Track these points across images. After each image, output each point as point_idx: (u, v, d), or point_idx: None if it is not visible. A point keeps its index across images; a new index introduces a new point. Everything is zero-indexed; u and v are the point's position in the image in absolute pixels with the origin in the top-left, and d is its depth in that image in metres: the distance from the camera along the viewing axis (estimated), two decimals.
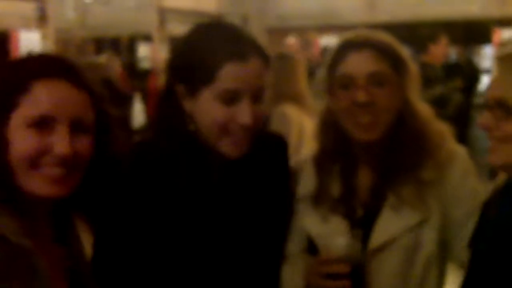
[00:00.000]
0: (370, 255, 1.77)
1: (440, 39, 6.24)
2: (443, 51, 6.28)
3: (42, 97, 1.37)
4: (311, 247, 1.87)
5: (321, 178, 1.87)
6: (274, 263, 1.86)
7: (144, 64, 11.03)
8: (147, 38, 10.69)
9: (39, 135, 1.37)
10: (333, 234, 1.78)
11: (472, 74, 6.37)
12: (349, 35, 1.84)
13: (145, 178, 1.72)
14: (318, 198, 1.86)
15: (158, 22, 9.63)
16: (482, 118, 1.53)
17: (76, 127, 1.40)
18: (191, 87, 1.68)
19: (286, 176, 1.91)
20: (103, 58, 7.49)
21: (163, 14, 9.68)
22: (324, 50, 10.93)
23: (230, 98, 1.64)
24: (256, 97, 1.67)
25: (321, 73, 1.86)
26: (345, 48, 1.80)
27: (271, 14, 11.26)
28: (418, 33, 6.73)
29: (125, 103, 5.94)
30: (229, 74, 1.63)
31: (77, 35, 10.88)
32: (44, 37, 8.97)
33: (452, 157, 1.79)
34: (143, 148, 1.80)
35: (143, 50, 11.58)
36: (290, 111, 4.21)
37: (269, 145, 1.88)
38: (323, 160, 1.89)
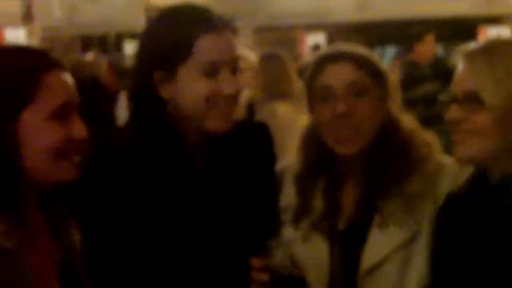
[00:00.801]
0: (363, 276, 1.74)
1: (426, 38, 6.26)
2: (430, 49, 6.29)
3: (58, 88, 1.40)
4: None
5: (302, 196, 1.84)
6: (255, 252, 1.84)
7: (131, 63, 10.99)
8: (135, 36, 10.66)
9: (61, 125, 1.39)
10: (314, 253, 1.77)
11: (443, 73, 6.37)
12: (326, 49, 1.86)
13: (126, 169, 1.70)
14: (299, 217, 1.83)
15: (146, 20, 9.60)
16: (451, 112, 1.53)
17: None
18: (169, 70, 1.67)
19: (270, 165, 1.90)
20: (89, 56, 7.46)
21: (151, 12, 9.65)
22: (314, 48, 10.94)
23: (211, 70, 1.65)
24: (234, 69, 1.69)
25: (301, 87, 1.86)
26: (323, 60, 1.78)
27: (262, 13, 11.27)
28: (407, 32, 6.74)
29: (111, 101, 5.91)
30: (206, 46, 1.64)
31: (64, 33, 10.84)
32: (30, 34, 8.93)
33: (442, 170, 1.77)
34: (121, 141, 1.80)
35: (130, 48, 11.54)
36: (279, 109, 4.20)
37: (252, 134, 1.87)
38: (306, 177, 1.86)
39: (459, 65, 1.58)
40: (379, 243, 1.74)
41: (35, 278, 1.35)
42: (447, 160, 1.76)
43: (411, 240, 1.73)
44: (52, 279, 1.43)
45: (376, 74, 1.76)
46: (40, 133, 1.38)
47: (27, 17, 8.82)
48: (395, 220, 1.73)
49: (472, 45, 1.58)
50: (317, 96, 1.76)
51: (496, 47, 1.57)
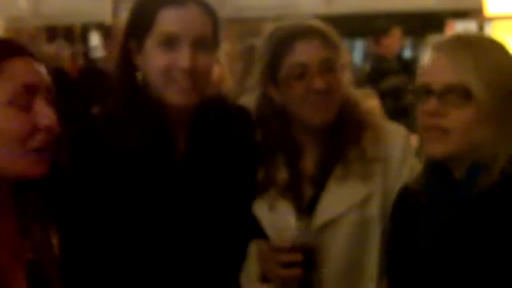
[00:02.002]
0: (317, 232, 1.79)
1: (392, 31, 6.29)
2: (395, 43, 6.33)
3: (16, 74, 1.37)
4: (263, 235, 1.87)
5: (265, 168, 1.89)
6: (241, 246, 1.86)
7: (97, 53, 10.87)
8: (101, 27, 10.54)
9: (23, 112, 1.36)
10: (281, 221, 1.79)
11: (410, 66, 6.42)
12: (287, 26, 1.87)
13: (105, 152, 1.72)
14: (264, 187, 1.88)
15: (112, 11, 9.50)
16: (430, 104, 1.51)
17: (48, 99, 1.42)
18: (138, 40, 1.73)
19: (251, 150, 1.92)
20: (52, 47, 7.36)
21: (117, 2, 9.56)
22: None
23: (169, 43, 1.68)
24: (199, 44, 1.70)
25: (260, 66, 1.89)
26: (290, 38, 1.83)
27: (229, 5, 11.21)
28: (374, 25, 6.76)
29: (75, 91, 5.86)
30: (166, 18, 1.68)
31: (29, 24, 10.68)
32: None
33: (395, 135, 1.85)
34: (101, 119, 1.80)
35: (96, 39, 11.42)
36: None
37: (232, 117, 1.90)
38: (267, 151, 1.91)
39: (430, 55, 1.56)
40: (334, 201, 1.81)
41: None
42: (399, 127, 1.82)
43: (366, 201, 1.79)
44: (19, 278, 1.39)
45: (337, 48, 1.86)
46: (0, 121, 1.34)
47: None
48: (353, 175, 1.81)
49: (442, 37, 1.58)
50: (290, 73, 1.81)
51: (476, 40, 1.57)
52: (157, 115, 1.74)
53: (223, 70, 4.33)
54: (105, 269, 1.71)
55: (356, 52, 10.72)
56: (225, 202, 1.80)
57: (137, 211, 1.71)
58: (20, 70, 1.39)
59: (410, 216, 1.65)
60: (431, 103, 1.52)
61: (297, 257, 1.71)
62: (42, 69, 1.44)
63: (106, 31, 8.47)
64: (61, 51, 7.02)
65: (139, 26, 1.74)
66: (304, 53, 1.82)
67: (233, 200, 1.83)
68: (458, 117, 1.50)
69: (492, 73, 1.50)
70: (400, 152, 1.82)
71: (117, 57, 1.81)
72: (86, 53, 10.57)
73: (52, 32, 11.20)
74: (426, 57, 1.59)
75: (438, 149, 1.54)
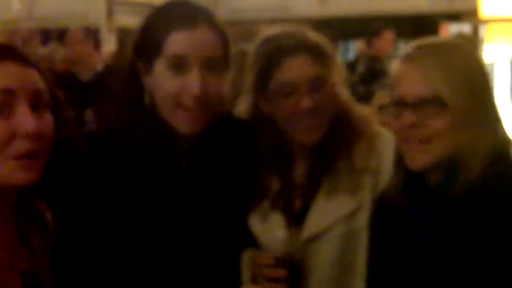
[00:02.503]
0: (304, 245, 1.78)
1: (383, 33, 6.32)
2: (387, 45, 6.35)
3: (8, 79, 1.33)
4: (256, 244, 1.87)
5: (259, 179, 1.87)
6: (239, 253, 1.85)
7: None
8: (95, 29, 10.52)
9: (4, 119, 1.31)
10: (271, 231, 1.79)
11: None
12: (275, 37, 1.81)
13: (108, 165, 1.70)
14: (258, 197, 1.86)
15: (106, 13, 9.50)
16: (406, 117, 1.52)
17: (36, 104, 1.35)
18: (147, 62, 1.69)
19: (251, 159, 1.90)
20: (46, 50, 7.34)
21: (112, 5, 9.55)
22: None
23: (178, 66, 1.64)
24: (209, 67, 1.66)
25: (250, 75, 1.84)
26: (277, 53, 1.77)
27: (223, 7, 11.22)
28: (368, 28, 6.77)
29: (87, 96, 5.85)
30: (176, 41, 1.64)
31: (23, 26, 10.65)
32: None
33: (388, 144, 1.79)
34: (105, 134, 1.80)
35: None
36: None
37: (236, 130, 1.87)
38: (260, 160, 1.88)
39: (399, 67, 1.56)
40: (322, 214, 1.79)
41: None
42: (386, 131, 1.79)
43: (354, 213, 1.77)
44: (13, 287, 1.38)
45: (327, 61, 1.79)
46: None
47: None
48: (341, 190, 1.78)
49: (409, 47, 1.58)
50: (278, 91, 1.76)
51: (440, 47, 1.58)
52: (162, 134, 1.71)
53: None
54: (108, 275, 1.71)
55: (350, 54, 10.74)
56: (226, 213, 1.78)
57: (139, 220, 1.70)
58: (3, 75, 1.33)
59: (390, 222, 1.65)
60: (408, 116, 1.53)
61: (281, 273, 1.70)
62: (30, 73, 1.38)
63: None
64: (55, 53, 7.00)
65: (148, 48, 1.69)
66: (292, 71, 1.75)
67: (235, 211, 1.82)
68: (435, 126, 1.51)
69: (461, 78, 1.51)
70: (392, 163, 1.77)
71: (125, 75, 1.77)
72: None
73: (46, 35, 11.18)
74: (396, 69, 1.59)
75: (421, 160, 1.55)
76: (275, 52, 1.77)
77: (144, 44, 1.70)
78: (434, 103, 1.50)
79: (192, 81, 1.63)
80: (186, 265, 1.73)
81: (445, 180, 1.55)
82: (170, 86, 1.65)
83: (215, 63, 1.67)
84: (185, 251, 1.72)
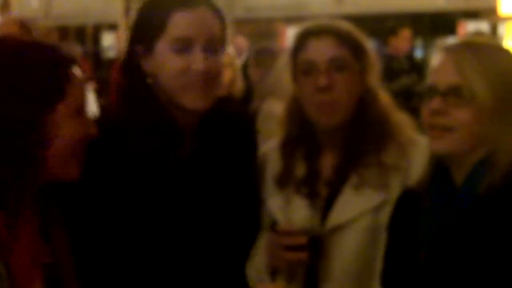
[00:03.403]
0: (328, 233, 1.79)
1: (401, 32, 6.28)
2: (404, 43, 6.32)
3: (80, 84, 1.46)
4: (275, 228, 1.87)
5: (285, 161, 1.91)
6: (242, 247, 1.85)
7: (109, 54, 10.92)
8: (113, 27, 10.58)
9: (82, 121, 1.45)
10: (293, 211, 1.82)
11: (420, 67, 6.38)
12: (309, 23, 1.89)
13: (110, 153, 1.71)
14: (282, 181, 1.88)
15: (124, 11, 9.53)
16: (434, 103, 1.53)
17: None
18: (147, 44, 1.71)
19: (253, 154, 1.93)
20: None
21: (129, 2, 9.58)
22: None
23: (182, 46, 1.67)
24: (210, 47, 1.70)
25: (283, 61, 1.92)
26: (305, 35, 1.84)
27: (239, 5, 11.24)
28: (384, 26, 6.76)
29: None
30: (178, 22, 1.67)
31: (41, 24, 10.72)
32: None
33: (415, 145, 1.82)
34: (106, 121, 1.79)
35: (108, 39, 11.45)
36: (275, 107, 4.10)
37: (236, 122, 1.90)
38: (288, 144, 1.92)
39: (438, 57, 1.58)
40: (349, 204, 1.81)
41: (14, 278, 1.34)
42: (421, 138, 1.80)
43: (380, 207, 1.78)
44: (36, 281, 1.40)
45: (356, 49, 1.83)
46: (68, 128, 1.41)
47: (4, 7, 8.71)
48: (369, 184, 1.80)
49: (452, 40, 1.61)
50: (299, 69, 1.83)
51: (481, 44, 1.59)
52: (165, 119, 1.73)
53: (235, 71, 4.29)
54: (115, 268, 1.72)
55: None
56: (226, 200, 1.80)
57: (143, 209, 1.71)
58: (82, 80, 1.46)
59: (412, 219, 1.65)
60: (435, 102, 1.54)
61: (302, 239, 1.71)
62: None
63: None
64: (73, 51, 7.06)
65: (148, 30, 1.73)
66: (313, 50, 1.81)
67: (234, 199, 1.83)
68: (460, 116, 1.52)
69: (494, 75, 1.52)
70: (421, 163, 1.80)
71: (123, 61, 1.79)
72: (97, 54, 10.62)
73: (64, 33, 11.25)
74: (435, 59, 1.61)
75: (442, 145, 1.56)
76: (302, 36, 1.85)
77: (144, 26, 1.72)
78: (461, 92, 1.51)
79: (197, 60, 1.67)
80: (190, 254, 1.74)
81: (470, 179, 1.55)
82: (174, 65, 1.68)
83: (215, 43, 1.71)
84: (189, 241, 1.73)
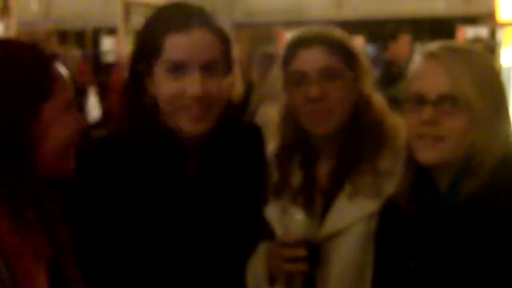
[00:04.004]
0: (324, 240, 1.80)
1: (400, 37, 6.26)
2: (404, 49, 6.30)
3: (66, 81, 1.46)
4: (272, 237, 1.89)
5: (281, 170, 1.91)
6: (246, 257, 1.86)
7: (109, 58, 10.91)
8: (112, 31, 10.58)
9: (72, 117, 1.46)
10: (290, 219, 1.83)
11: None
12: (299, 32, 1.88)
13: (115, 171, 1.72)
14: (278, 190, 1.89)
15: (123, 15, 9.53)
16: (425, 113, 1.52)
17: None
18: (148, 65, 1.70)
19: (261, 167, 1.92)
20: (60, 50, 7.39)
21: (128, 7, 9.58)
22: None
23: (177, 70, 1.65)
24: (208, 69, 1.67)
25: (276, 70, 1.92)
26: (296, 45, 1.84)
27: (239, 10, 11.24)
28: (384, 31, 6.75)
29: (81, 96, 5.87)
30: (172, 45, 1.65)
31: (41, 28, 10.72)
32: (6, 29, 8.81)
33: None
34: (111, 139, 1.82)
35: (107, 44, 11.45)
36: (273, 111, 4.10)
37: (244, 136, 1.89)
38: (283, 153, 1.92)
39: (422, 64, 1.57)
40: (343, 212, 1.81)
41: (18, 273, 1.35)
42: None
43: (374, 214, 1.79)
44: (40, 275, 1.41)
45: (348, 56, 1.82)
46: (58, 126, 1.42)
47: (4, 11, 8.71)
48: (363, 193, 1.80)
49: (432, 46, 1.59)
50: (291, 80, 1.83)
51: (464, 49, 1.58)
52: (168, 137, 1.72)
53: (234, 76, 4.29)
54: (119, 277, 1.72)
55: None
56: (233, 216, 1.80)
57: (148, 224, 1.71)
58: (66, 77, 1.47)
59: (398, 228, 1.65)
60: (426, 112, 1.53)
61: (302, 252, 1.72)
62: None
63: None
64: (70, 53, 7.05)
65: (147, 51, 1.71)
66: (304, 60, 1.81)
67: (241, 215, 1.82)
68: (453, 125, 1.51)
69: (484, 81, 1.52)
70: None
71: (126, 79, 1.78)
72: (96, 57, 10.61)
73: (63, 36, 11.25)
74: (416, 65, 1.59)
75: (433, 155, 1.55)
76: (293, 44, 1.84)
77: (144, 47, 1.72)
78: (455, 101, 1.50)
79: (191, 84, 1.64)
80: (194, 269, 1.73)
81: (452, 186, 1.55)
82: (169, 88, 1.66)
83: (214, 65, 1.68)
84: (193, 255, 1.73)
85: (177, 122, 1.68)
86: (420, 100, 1.54)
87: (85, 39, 11.66)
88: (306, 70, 1.79)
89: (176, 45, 1.65)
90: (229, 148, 1.79)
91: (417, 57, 1.60)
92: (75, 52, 7.42)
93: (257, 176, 1.89)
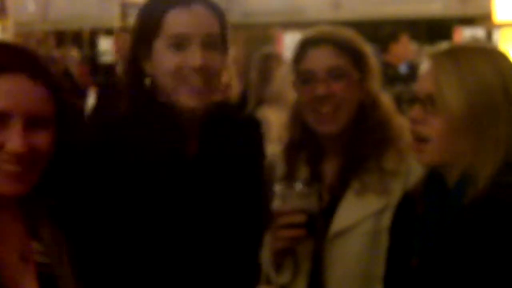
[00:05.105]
0: (331, 238, 1.82)
1: (401, 37, 6.26)
2: (404, 49, 6.30)
3: (0, 93, 1.34)
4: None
5: (288, 166, 1.94)
6: (249, 242, 1.85)
7: (106, 58, 10.90)
8: (109, 31, 10.57)
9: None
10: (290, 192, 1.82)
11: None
12: (310, 32, 1.92)
13: (115, 156, 1.72)
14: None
15: (120, 15, 9.54)
16: (413, 111, 1.54)
17: (32, 123, 1.36)
18: (146, 44, 1.73)
19: (260, 158, 1.94)
20: (60, 51, 7.40)
21: (126, 7, 9.59)
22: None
23: (179, 44, 1.69)
24: (208, 44, 1.71)
25: (285, 69, 1.99)
26: (306, 44, 1.88)
27: (236, 10, 11.24)
28: (381, 32, 6.75)
29: (80, 96, 5.88)
30: (174, 20, 1.70)
31: (38, 29, 10.73)
32: (3, 30, 8.81)
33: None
34: (111, 124, 1.82)
35: (104, 44, 11.44)
36: (270, 113, 4.12)
37: (243, 127, 1.91)
38: (291, 150, 1.96)
39: (425, 64, 1.58)
40: (351, 210, 1.84)
41: (5, 278, 1.34)
42: None
43: (381, 212, 1.81)
44: (28, 279, 1.40)
45: (356, 56, 1.87)
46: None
47: (1, 12, 8.71)
48: (370, 190, 1.83)
49: (439, 47, 1.59)
50: (299, 78, 1.88)
51: (461, 51, 1.57)
52: (168, 119, 1.74)
53: (230, 75, 4.30)
54: (118, 268, 1.72)
55: None
56: (232, 199, 1.81)
57: (148, 209, 1.72)
58: (2, 93, 1.34)
59: (409, 224, 1.66)
60: (415, 110, 1.56)
61: (301, 218, 1.73)
62: (31, 89, 1.38)
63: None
64: (69, 54, 7.07)
65: (147, 30, 1.75)
66: (313, 59, 1.86)
67: (240, 198, 1.83)
68: (434, 125, 1.52)
69: (472, 85, 1.50)
70: (421, 171, 1.81)
71: (126, 63, 1.81)
72: (93, 58, 10.60)
73: (61, 37, 11.25)
74: (423, 66, 1.60)
75: (421, 157, 1.58)
76: (303, 45, 1.89)
77: (142, 27, 1.74)
78: (434, 102, 1.51)
79: (192, 56, 1.68)
80: (196, 253, 1.74)
81: (456, 188, 1.55)
82: (170, 62, 1.69)
83: (213, 41, 1.72)
84: (195, 239, 1.73)
85: (177, 97, 1.70)
86: (415, 99, 1.56)
87: (82, 40, 11.67)
88: (314, 69, 1.84)
89: (178, 19, 1.70)
90: (228, 132, 1.81)
91: (425, 60, 1.61)
92: (74, 53, 7.43)
93: (255, 164, 1.90)
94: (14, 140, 1.33)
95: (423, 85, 1.56)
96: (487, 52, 1.57)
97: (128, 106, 1.78)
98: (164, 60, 1.70)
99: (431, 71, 1.55)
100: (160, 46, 1.71)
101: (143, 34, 1.74)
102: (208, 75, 1.71)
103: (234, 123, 1.85)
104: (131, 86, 1.78)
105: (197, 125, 1.76)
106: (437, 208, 1.58)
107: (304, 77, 1.86)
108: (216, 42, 1.73)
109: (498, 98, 1.50)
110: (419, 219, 1.61)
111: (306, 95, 1.85)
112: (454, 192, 1.56)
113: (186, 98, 1.70)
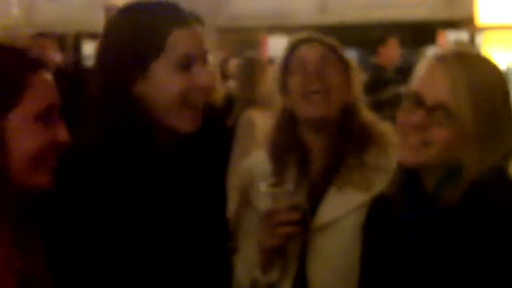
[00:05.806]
0: (315, 233, 1.85)
1: (389, 41, 6.29)
2: (393, 53, 6.33)
3: (43, 89, 1.38)
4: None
5: (277, 168, 1.98)
6: (219, 250, 1.82)
7: (90, 62, 10.87)
8: (94, 36, 10.55)
9: (45, 128, 1.37)
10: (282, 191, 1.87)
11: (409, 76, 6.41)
12: (297, 35, 2.01)
13: (96, 176, 1.66)
14: (275, 185, 1.91)
15: (106, 19, 9.51)
16: (417, 117, 1.51)
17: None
18: (141, 66, 1.64)
19: (223, 166, 1.96)
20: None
21: (111, 11, 9.56)
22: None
23: (186, 64, 1.64)
24: (205, 61, 1.70)
25: (275, 74, 2.01)
26: (296, 43, 1.97)
27: (222, 14, 11.27)
28: (368, 36, 6.78)
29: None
30: (180, 40, 1.64)
31: (22, 32, 10.68)
32: None
33: (394, 147, 1.86)
34: (89, 141, 1.77)
35: (89, 48, 11.41)
36: (256, 116, 4.16)
37: (210, 127, 1.90)
38: (278, 151, 2.00)
39: (428, 66, 1.55)
40: (334, 204, 1.88)
41: None
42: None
43: (364, 206, 1.81)
44: (8, 286, 1.38)
45: (342, 60, 1.97)
46: (25, 136, 1.35)
47: None
48: (352, 185, 1.88)
49: (442, 50, 1.57)
50: (291, 68, 1.94)
51: (472, 57, 1.55)
52: (149, 141, 1.69)
53: (214, 79, 4.31)
54: (100, 273, 1.71)
55: None
56: (211, 211, 1.81)
57: (130, 227, 1.70)
58: (44, 87, 1.39)
59: (385, 225, 1.65)
60: (419, 116, 1.51)
61: (296, 216, 1.77)
62: (54, 84, 1.43)
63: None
64: (54, 59, 7.03)
65: (143, 50, 1.66)
66: (304, 51, 1.95)
67: (206, 207, 1.83)
68: (440, 134, 1.49)
69: (482, 94, 1.49)
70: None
71: (106, 84, 1.69)
72: (77, 62, 10.55)
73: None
74: (423, 65, 1.57)
75: (413, 158, 1.53)
76: (293, 43, 1.97)
77: (138, 47, 1.65)
78: (448, 112, 1.48)
79: (200, 76, 1.65)
80: (177, 266, 1.73)
81: (435, 190, 1.54)
82: (177, 85, 1.63)
83: (207, 57, 1.72)
84: (175, 253, 1.72)
85: (178, 121, 1.66)
86: (418, 102, 1.52)
87: (67, 43, 11.63)
88: (306, 56, 1.93)
89: (183, 39, 1.65)
90: (198, 144, 1.81)
91: (427, 57, 1.58)
92: (57, 57, 7.40)
93: (219, 172, 1.90)
94: (63, 132, 1.40)
95: (433, 91, 1.51)
96: (484, 58, 1.59)
97: (97, 128, 1.71)
98: (167, 83, 1.64)
99: (442, 77, 1.51)
100: (162, 68, 1.64)
101: (139, 54, 1.65)
102: (209, 91, 1.71)
103: (206, 128, 1.83)
104: (110, 107, 1.69)
105: (173, 141, 1.73)
106: (414, 211, 1.57)
107: (296, 65, 1.92)
108: (207, 59, 1.72)
109: (500, 104, 1.52)
110: (398, 224, 1.60)
111: (298, 80, 1.91)
112: (432, 194, 1.55)
113: (188, 123, 1.66)
